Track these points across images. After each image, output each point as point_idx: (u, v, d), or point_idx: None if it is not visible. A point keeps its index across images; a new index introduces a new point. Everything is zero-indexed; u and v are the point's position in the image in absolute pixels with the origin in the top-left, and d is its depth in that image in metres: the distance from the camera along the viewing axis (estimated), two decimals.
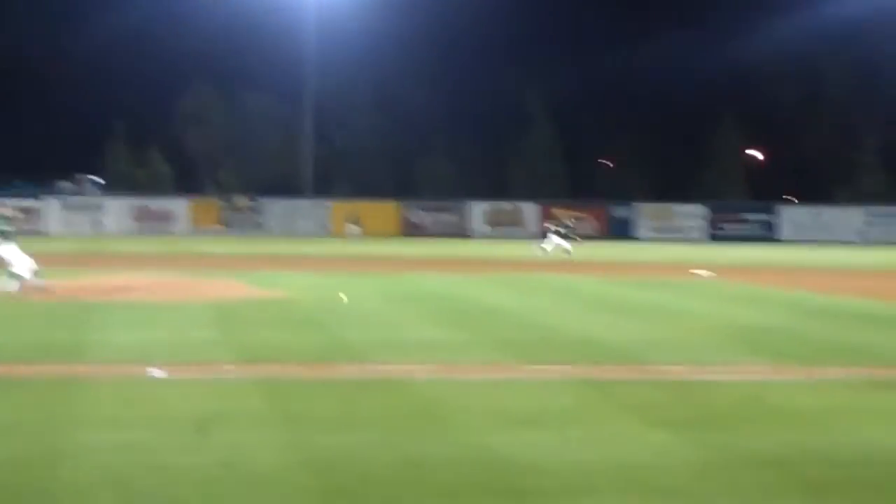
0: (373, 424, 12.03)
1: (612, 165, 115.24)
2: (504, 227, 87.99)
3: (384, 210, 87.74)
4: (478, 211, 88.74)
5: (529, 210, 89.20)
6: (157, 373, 15.39)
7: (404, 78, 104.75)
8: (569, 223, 57.16)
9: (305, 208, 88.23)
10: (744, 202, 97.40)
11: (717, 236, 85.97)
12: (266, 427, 11.87)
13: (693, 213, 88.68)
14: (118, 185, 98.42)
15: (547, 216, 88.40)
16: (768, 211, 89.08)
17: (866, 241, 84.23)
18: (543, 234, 56.54)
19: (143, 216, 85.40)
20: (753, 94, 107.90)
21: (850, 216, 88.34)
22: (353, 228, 77.80)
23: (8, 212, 28.85)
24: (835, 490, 9.56)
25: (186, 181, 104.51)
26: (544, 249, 53.50)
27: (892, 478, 10.00)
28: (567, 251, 52.41)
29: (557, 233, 54.58)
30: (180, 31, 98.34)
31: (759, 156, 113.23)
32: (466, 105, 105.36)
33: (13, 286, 27.13)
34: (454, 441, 11.20)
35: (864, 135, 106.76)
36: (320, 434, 11.49)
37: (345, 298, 25.25)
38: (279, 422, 12.15)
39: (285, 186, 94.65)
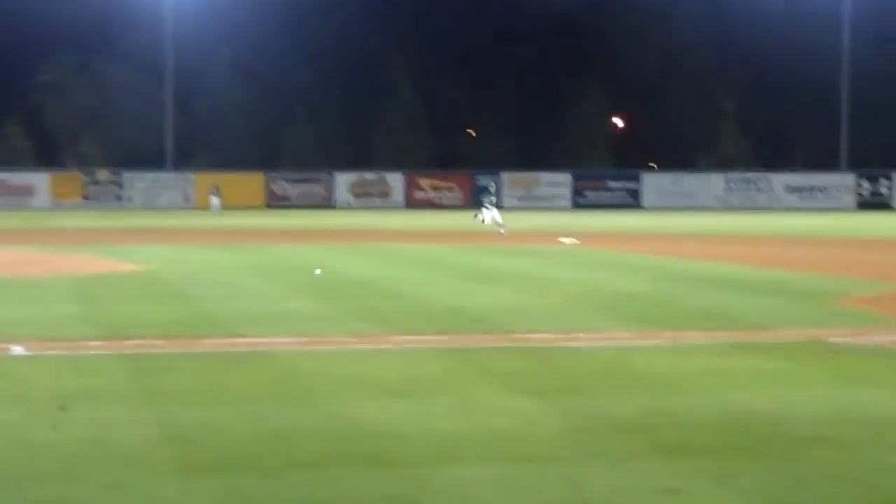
0: (237, 398, 11.92)
1: (474, 135, 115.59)
2: (369, 197, 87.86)
3: (249, 182, 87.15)
4: (343, 182, 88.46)
5: (395, 180, 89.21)
6: (18, 350, 15.11)
7: (266, 47, 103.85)
8: (490, 189, 52.03)
9: (168, 181, 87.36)
10: (607, 170, 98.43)
11: (581, 204, 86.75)
12: (129, 403, 11.71)
13: (558, 182, 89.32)
14: None
15: (414, 186, 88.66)
16: (632, 178, 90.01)
17: (726, 206, 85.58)
18: (479, 205, 51.19)
19: (2, 190, 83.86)
20: (616, 62, 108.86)
21: (710, 182, 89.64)
22: (215, 200, 77.02)
23: None
24: (697, 453, 9.67)
25: (46, 154, 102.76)
26: (482, 220, 49.14)
27: (752, 439, 10.14)
28: (500, 225, 48.14)
29: (489, 203, 49.92)
30: (37, 1, 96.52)
31: (620, 123, 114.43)
32: (329, 74, 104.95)
33: None
34: (319, 412, 11.15)
35: (723, 101, 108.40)
36: (184, 409, 11.37)
37: (318, 272, 24.64)
38: (143, 397, 11.99)
39: (148, 159, 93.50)
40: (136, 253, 34.44)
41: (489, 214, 49.22)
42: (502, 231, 46.86)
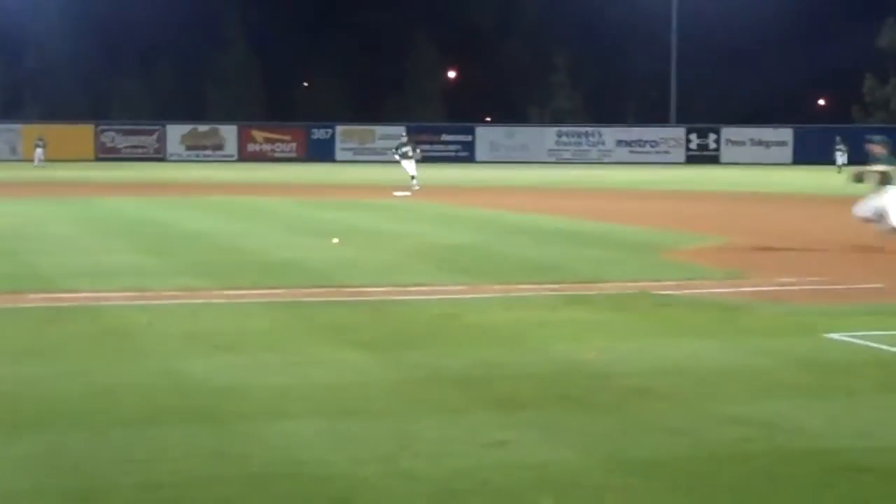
0: (63, 354, 11.70)
1: (307, 85, 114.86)
2: (202, 150, 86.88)
3: (78, 133, 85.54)
4: (175, 134, 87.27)
5: (228, 132, 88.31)
6: None
7: None
8: (404, 139, 48.45)
9: None
10: (442, 123, 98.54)
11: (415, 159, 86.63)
12: None
13: (391, 134, 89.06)
14: None
15: (247, 138, 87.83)
16: (465, 132, 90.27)
17: (559, 160, 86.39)
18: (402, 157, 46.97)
19: None
20: (449, 15, 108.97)
21: (542, 136, 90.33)
22: (39, 153, 75.23)
23: None
24: (526, 405, 9.74)
25: None
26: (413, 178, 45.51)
27: (580, 391, 10.25)
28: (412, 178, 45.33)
29: (405, 155, 46.36)
30: None
31: (452, 75, 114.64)
32: (161, 24, 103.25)
33: None
34: (147, 368, 10.99)
35: (555, 54, 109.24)
36: (8, 365, 11.13)
37: (336, 240, 23.53)
38: None
39: None
40: None
41: (409, 165, 46.04)
42: (415, 184, 44.69)
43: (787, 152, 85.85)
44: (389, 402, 9.80)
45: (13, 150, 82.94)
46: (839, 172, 66.74)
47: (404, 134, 50.77)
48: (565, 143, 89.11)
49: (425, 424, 9.07)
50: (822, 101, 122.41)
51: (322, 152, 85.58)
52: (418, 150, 47.20)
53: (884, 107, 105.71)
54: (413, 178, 45.22)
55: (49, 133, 79.65)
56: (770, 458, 8.26)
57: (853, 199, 24.57)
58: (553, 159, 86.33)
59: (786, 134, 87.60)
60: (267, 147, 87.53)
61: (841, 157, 70.42)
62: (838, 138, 72.44)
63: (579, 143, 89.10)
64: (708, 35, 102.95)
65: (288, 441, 8.61)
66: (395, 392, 10.17)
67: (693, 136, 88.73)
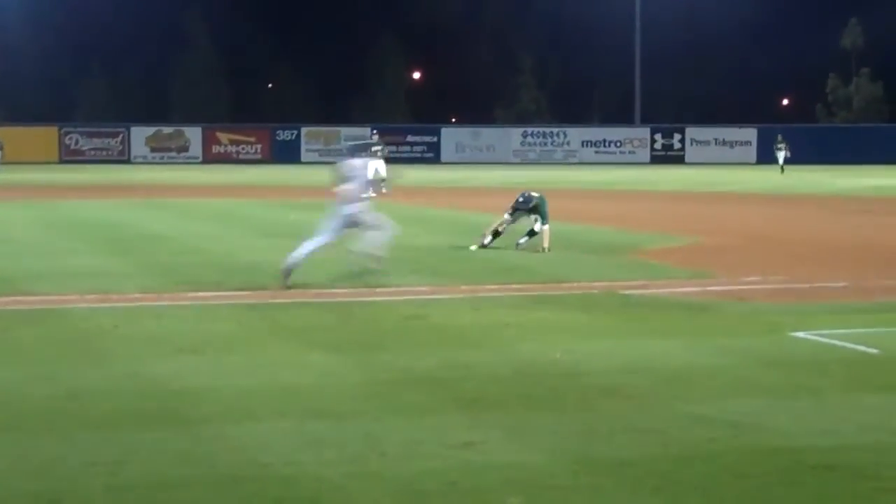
0: (27, 357, 11.65)
1: (272, 86, 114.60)
2: (167, 151, 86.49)
3: (41, 135, 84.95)
4: (139, 135, 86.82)
5: (193, 134, 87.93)
6: None
7: None
8: (374, 138, 46.03)
9: None
10: (406, 124, 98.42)
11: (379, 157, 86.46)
12: None
13: (357, 136, 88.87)
14: None
15: (212, 140, 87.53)
16: (431, 132, 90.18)
17: (524, 160, 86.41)
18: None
19: None
20: (413, 15, 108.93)
21: (508, 136, 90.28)
22: None
23: None
24: (493, 405, 9.75)
25: None
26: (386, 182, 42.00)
27: (547, 391, 10.27)
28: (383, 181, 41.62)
29: (375, 154, 41.61)
30: None
31: (417, 76, 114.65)
32: (124, 24, 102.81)
33: None
34: (114, 371, 10.95)
35: (520, 55, 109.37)
36: None
37: (473, 248, 22.58)
38: None
39: None
40: None
41: (378, 168, 41.89)
42: (384, 189, 40.14)
43: (752, 152, 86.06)
44: (356, 404, 9.79)
45: None
46: (782, 172, 67.10)
47: (374, 132, 49.71)
48: (531, 144, 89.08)
49: (392, 425, 9.07)
50: (785, 101, 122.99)
51: (287, 154, 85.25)
52: (385, 150, 45.50)
53: (847, 106, 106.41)
54: (383, 180, 43.60)
55: (12, 135, 79.03)
56: (736, 456, 8.29)
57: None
58: (518, 160, 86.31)
59: (750, 134, 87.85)
60: (232, 149, 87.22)
61: (781, 156, 70.53)
62: (779, 136, 72.73)
63: (545, 144, 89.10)
64: (672, 35, 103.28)
65: (254, 443, 8.59)
66: (362, 393, 10.16)
67: (658, 137, 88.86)
